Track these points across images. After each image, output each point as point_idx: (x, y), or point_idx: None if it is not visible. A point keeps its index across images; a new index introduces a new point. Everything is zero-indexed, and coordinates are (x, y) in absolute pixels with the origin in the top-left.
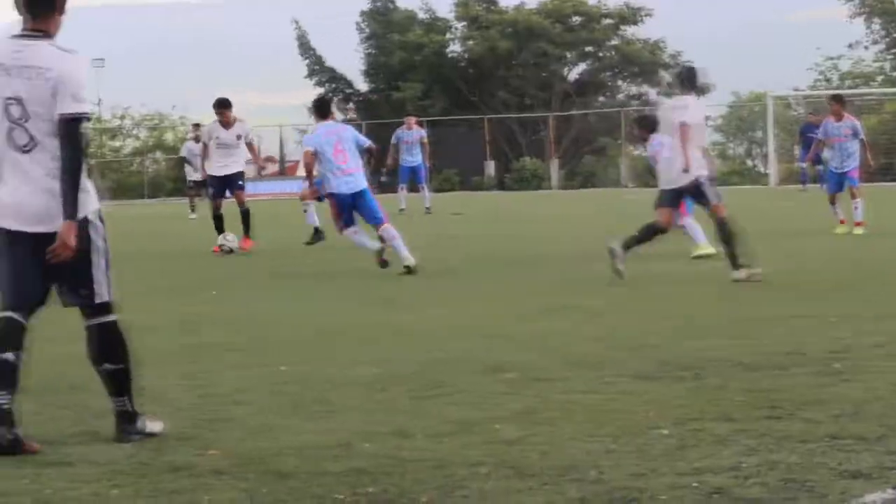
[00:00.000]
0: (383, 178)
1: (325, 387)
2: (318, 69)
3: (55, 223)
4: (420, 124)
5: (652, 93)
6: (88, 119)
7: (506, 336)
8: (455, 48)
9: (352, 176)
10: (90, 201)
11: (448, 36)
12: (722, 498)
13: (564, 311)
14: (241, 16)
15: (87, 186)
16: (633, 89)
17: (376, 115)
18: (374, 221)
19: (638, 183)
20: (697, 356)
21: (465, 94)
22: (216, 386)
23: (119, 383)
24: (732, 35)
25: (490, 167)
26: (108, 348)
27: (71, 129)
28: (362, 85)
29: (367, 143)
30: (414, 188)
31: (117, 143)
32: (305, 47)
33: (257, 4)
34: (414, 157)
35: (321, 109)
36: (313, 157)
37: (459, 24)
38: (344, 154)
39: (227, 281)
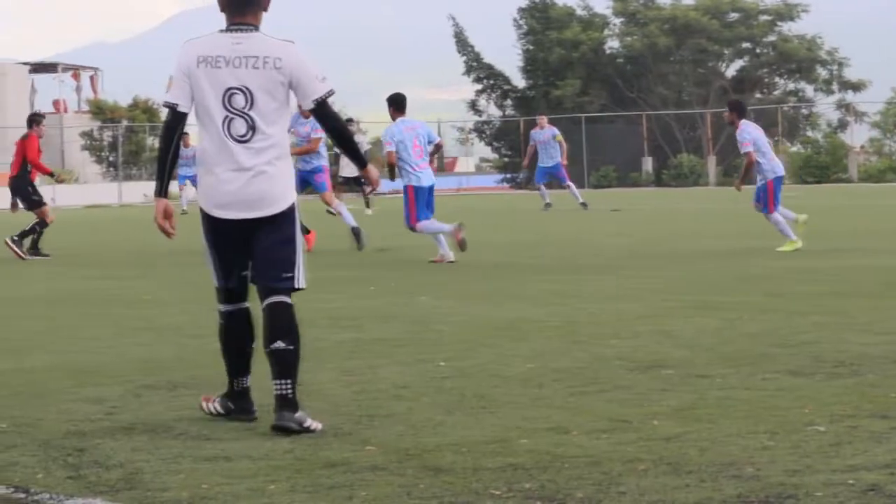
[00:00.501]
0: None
1: (482, 382)
2: (476, 65)
3: (268, 208)
4: (552, 123)
5: (809, 89)
6: (332, 94)
7: (661, 332)
8: (613, 44)
9: (428, 170)
10: (294, 189)
11: (606, 32)
12: (877, 495)
13: (718, 308)
14: (396, 9)
15: (293, 175)
16: (791, 86)
17: (533, 111)
18: (430, 214)
19: (794, 179)
20: (853, 352)
21: (622, 90)
22: (374, 382)
23: (286, 364)
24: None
25: (648, 163)
26: (283, 327)
27: (328, 108)
28: (520, 81)
29: (438, 139)
30: (557, 186)
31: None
32: (463, 44)
33: None
34: (550, 158)
35: (399, 105)
36: (394, 154)
37: (617, 21)
38: (421, 149)
39: (385, 276)
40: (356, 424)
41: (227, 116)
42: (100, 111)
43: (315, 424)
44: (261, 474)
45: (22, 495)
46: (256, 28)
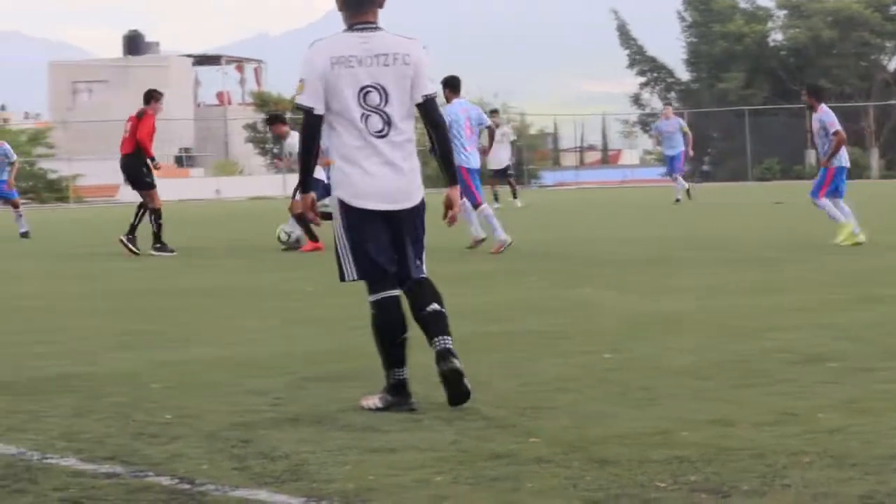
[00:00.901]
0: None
1: (644, 374)
2: (639, 58)
3: (408, 200)
4: (680, 114)
5: None
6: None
7: (822, 324)
8: (776, 37)
9: (475, 152)
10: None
11: (769, 25)
12: None
13: (879, 301)
14: (559, 2)
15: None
16: None
17: (697, 104)
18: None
19: None
20: None
21: (786, 83)
22: (538, 374)
23: (444, 324)
24: None
25: (811, 156)
26: (434, 293)
27: (434, 107)
28: (683, 74)
29: (488, 122)
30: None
31: None
32: (626, 37)
33: None
34: (672, 148)
35: (455, 87)
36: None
37: (781, 13)
38: (471, 131)
39: (544, 268)
40: (520, 416)
41: (363, 114)
42: (264, 103)
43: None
44: (426, 466)
45: (187, 486)
46: (378, 26)
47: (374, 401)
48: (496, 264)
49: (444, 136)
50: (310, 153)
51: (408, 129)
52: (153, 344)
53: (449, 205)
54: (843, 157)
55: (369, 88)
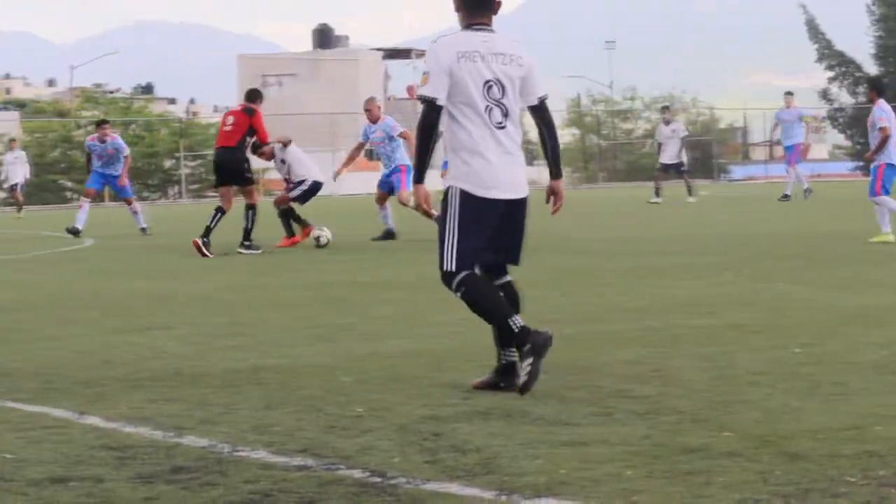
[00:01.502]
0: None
1: (836, 369)
2: (828, 53)
3: (523, 190)
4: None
5: None
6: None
7: None
8: None
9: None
10: None
11: None
12: None
13: None
14: None
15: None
16: None
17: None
18: None
19: None
20: None
21: None
22: (730, 367)
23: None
24: None
25: None
26: (515, 303)
27: (547, 107)
28: (872, 69)
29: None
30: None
31: (629, 126)
32: (814, 31)
33: None
34: (789, 138)
35: None
36: None
37: None
38: None
39: (740, 262)
40: (713, 410)
41: (487, 106)
42: None
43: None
44: (617, 459)
45: (378, 479)
46: (493, 28)
47: (482, 381)
48: (692, 258)
49: (555, 134)
50: (429, 144)
51: (517, 123)
52: (347, 337)
53: (554, 194)
54: (892, 154)
55: (491, 83)
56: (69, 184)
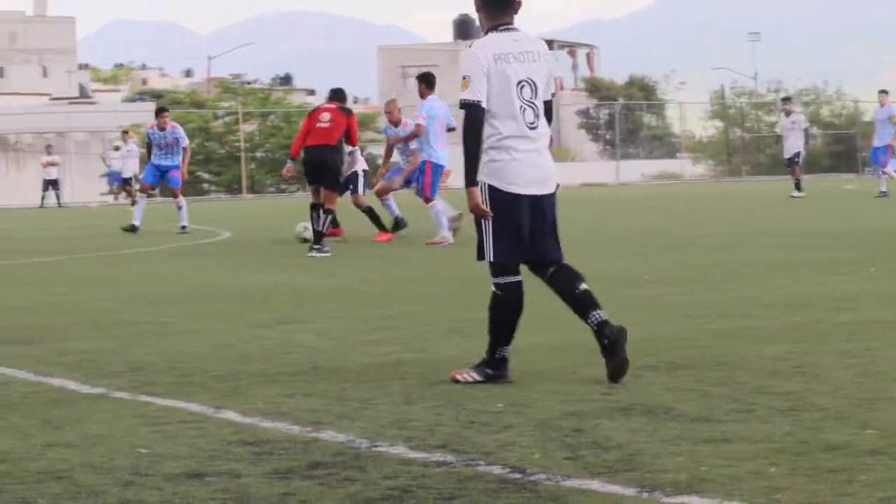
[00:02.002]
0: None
1: None
2: None
3: (551, 186)
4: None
5: None
6: None
7: None
8: None
9: (445, 150)
10: None
11: None
12: None
13: None
14: None
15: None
16: None
17: None
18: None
19: None
20: None
21: None
22: (875, 364)
23: (594, 297)
24: None
25: None
26: (578, 274)
27: (551, 106)
28: None
29: (454, 123)
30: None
31: (773, 118)
32: None
33: None
34: (879, 139)
35: (430, 83)
36: (423, 128)
37: None
38: (443, 129)
39: (887, 257)
40: (856, 407)
41: (521, 106)
42: (596, 89)
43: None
44: (760, 457)
45: (518, 476)
46: (516, 27)
47: (467, 375)
48: (836, 253)
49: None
50: (479, 146)
51: (546, 121)
52: (485, 331)
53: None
54: None
55: (524, 83)
56: (206, 175)
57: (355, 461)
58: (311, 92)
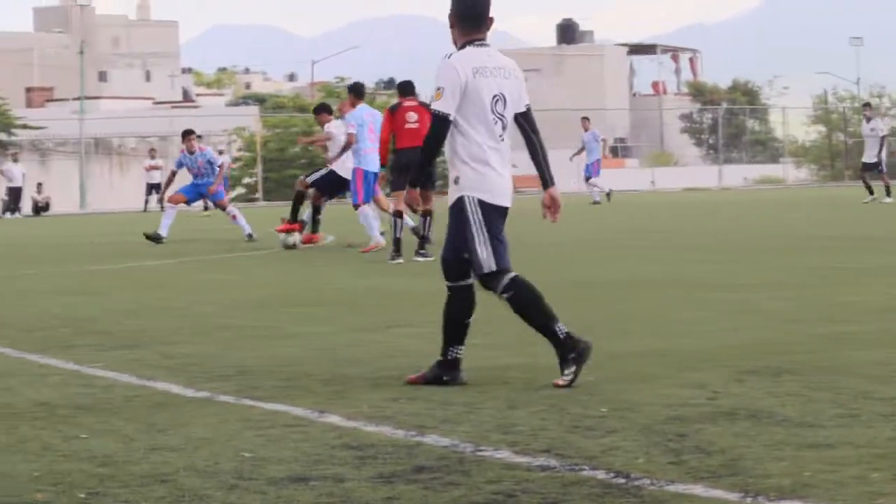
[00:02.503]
0: None
1: None
2: None
3: (511, 197)
4: None
5: None
6: None
7: None
8: None
9: (375, 156)
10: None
11: None
12: None
13: None
14: None
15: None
16: None
17: None
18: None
19: None
20: None
21: None
22: None
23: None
24: None
25: None
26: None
27: (532, 115)
28: None
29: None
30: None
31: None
32: None
33: None
34: None
35: (359, 93)
36: (354, 136)
37: None
38: (374, 136)
39: None
40: None
41: (494, 119)
42: (699, 93)
43: None
44: (863, 462)
45: (622, 480)
46: (489, 43)
47: (421, 378)
48: None
49: (542, 140)
50: (435, 155)
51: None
52: (591, 335)
53: (553, 202)
54: None
55: (497, 97)
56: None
57: (459, 465)
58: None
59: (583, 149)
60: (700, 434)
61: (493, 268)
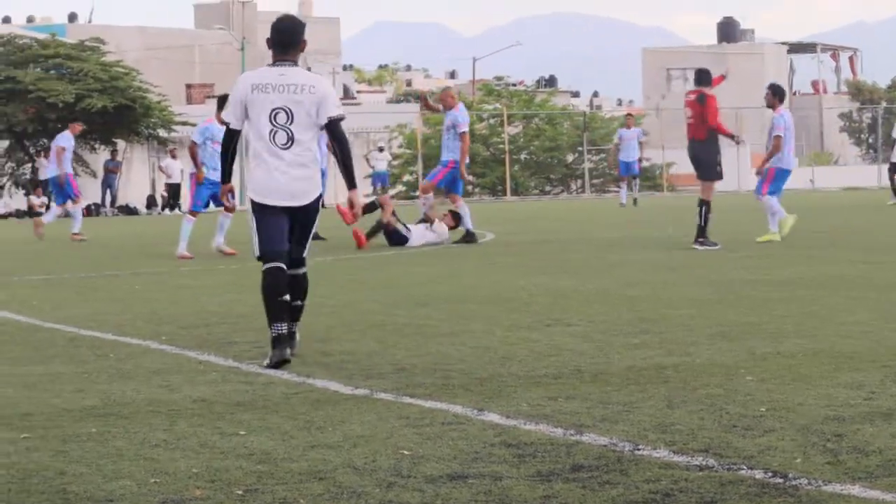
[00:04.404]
0: None
1: None
2: None
3: (303, 199)
4: None
5: None
6: (343, 118)
7: None
8: None
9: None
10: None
11: None
12: None
13: None
14: None
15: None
16: None
17: None
18: None
19: None
20: None
21: None
22: None
23: (301, 313)
24: None
25: None
26: (305, 290)
27: (339, 127)
28: None
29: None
30: None
31: None
32: None
33: None
34: None
35: (221, 104)
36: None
37: None
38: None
39: None
40: None
41: (272, 130)
42: (858, 92)
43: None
44: None
45: (779, 480)
46: (295, 63)
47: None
48: None
49: (346, 150)
50: (225, 158)
51: (307, 143)
52: (750, 335)
53: (351, 205)
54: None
55: (278, 110)
56: (470, 177)
57: (617, 464)
58: (576, 94)
59: (617, 145)
60: (857, 434)
61: (257, 254)
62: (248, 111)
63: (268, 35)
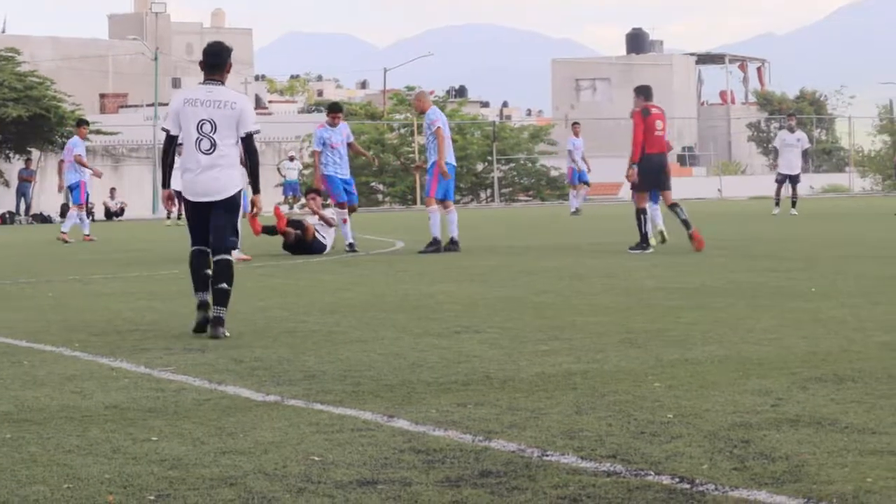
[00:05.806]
0: None
1: None
2: None
3: (218, 195)
4: None
5: None
6: (258, 132)
7: None
8: None
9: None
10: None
11: None
12: None
13: None
14: None
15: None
16: None
17: None
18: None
19: None
20: None
21: None
22: None
23: (227, 298)
24: None
25: None
26: (229, 274)
27: (251, 141)
28: None
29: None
30: None
31: None
32: None
33: None
34: None
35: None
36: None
37: None
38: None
39: None
40: None
41: (198, 138)
42: (767, 102)
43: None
44: None
45: (686, 486)
46: (222, 82)
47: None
48: None
49: (255, 160)
50: (164, 162)
51: (227, 150)
52: (658, 342)
53: (253, 205)
54: None
55: (204, 121)
56: (381, 186)
57: (525, 470)
58: (486, 104)
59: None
60: (764, 440)
61: (191, 244)
62: (181, 121)
63: (198, 56)
